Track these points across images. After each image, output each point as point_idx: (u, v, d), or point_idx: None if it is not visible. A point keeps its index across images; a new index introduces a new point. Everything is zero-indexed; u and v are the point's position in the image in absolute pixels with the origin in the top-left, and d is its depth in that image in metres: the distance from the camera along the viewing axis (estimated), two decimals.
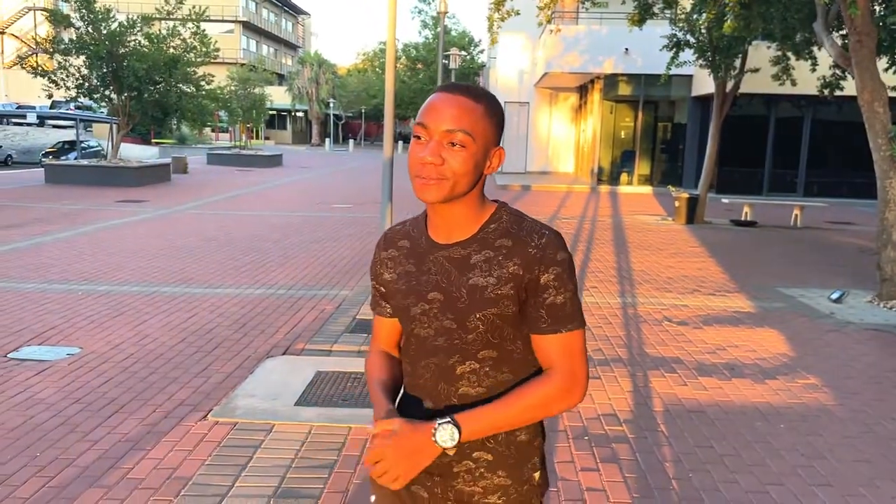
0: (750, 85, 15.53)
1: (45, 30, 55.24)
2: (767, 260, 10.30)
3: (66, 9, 18.80)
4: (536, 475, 1.58)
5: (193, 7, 19.23)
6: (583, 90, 26.47)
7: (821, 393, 4.84)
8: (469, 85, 1.49)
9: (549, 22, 11.56)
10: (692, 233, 12.99)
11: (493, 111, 1.47)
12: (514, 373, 1.53)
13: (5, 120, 31.23)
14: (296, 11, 74.48)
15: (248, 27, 60.75)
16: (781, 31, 10.12)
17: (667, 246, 11.32)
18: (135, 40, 18.56)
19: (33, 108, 38.22)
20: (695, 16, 10.44)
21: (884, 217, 7.32)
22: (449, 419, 1.45)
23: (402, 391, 1.66)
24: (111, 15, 18.11)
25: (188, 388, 4.61)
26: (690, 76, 20.55)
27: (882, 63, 10.86)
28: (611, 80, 22.38)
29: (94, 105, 21.00)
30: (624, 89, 22.56)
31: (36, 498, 3.25)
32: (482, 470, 1.54)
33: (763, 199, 18.14)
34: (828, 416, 4.44)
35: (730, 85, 13.78)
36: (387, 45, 7.92)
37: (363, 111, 59.09)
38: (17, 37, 53.69)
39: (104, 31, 17.90)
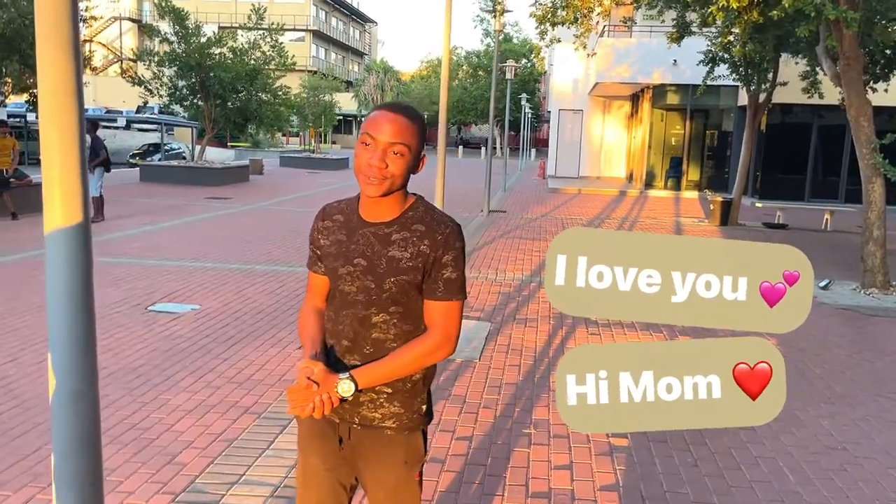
0: (790, 95, 16.42)
1: (129, 39, 58.98)
2: None
3: (151, 20, 20.76)
4: (423, 407, 1.95)
5: (272, 23, 21.15)
6: (635, 99, 27.49)
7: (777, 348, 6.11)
8: (406, 106, 1.85)
9: (584, 48, 12.88)
10: (723, 233, 14.10)
11: (422, 129, 1.84)
12: (415, 325, 1.89)
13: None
14: (363, 20, 77.07)
15: (318, 35, 63.36)
16: (795, 51, 11.23)
17: None
18: (220, 53, 20.52)
19: (121, 112, 41.15)
20: (719, 38, 11.59)
21: (867, 217, 8.45)
22: (348, 375, 1.81)
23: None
24: (201, 31, 20.13)
25: (286, 331, 6.19)
26: (737, 86, 21.43)
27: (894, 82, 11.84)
28: (660, 90, 23.40)
29: (181, 111, 22.98)
30: (672, 98, 23.55)
31: (191, 385, 4.85)
32: (382, 400, 1.89)
33: (804, 204, 18.98)
34: None
35: (762, 97, 14.82)
36: (442, 65, 9.19)
37: (426, 116, 60.71)
38: (104, 45, 57.38)
39: (193, 45, 19.90)
